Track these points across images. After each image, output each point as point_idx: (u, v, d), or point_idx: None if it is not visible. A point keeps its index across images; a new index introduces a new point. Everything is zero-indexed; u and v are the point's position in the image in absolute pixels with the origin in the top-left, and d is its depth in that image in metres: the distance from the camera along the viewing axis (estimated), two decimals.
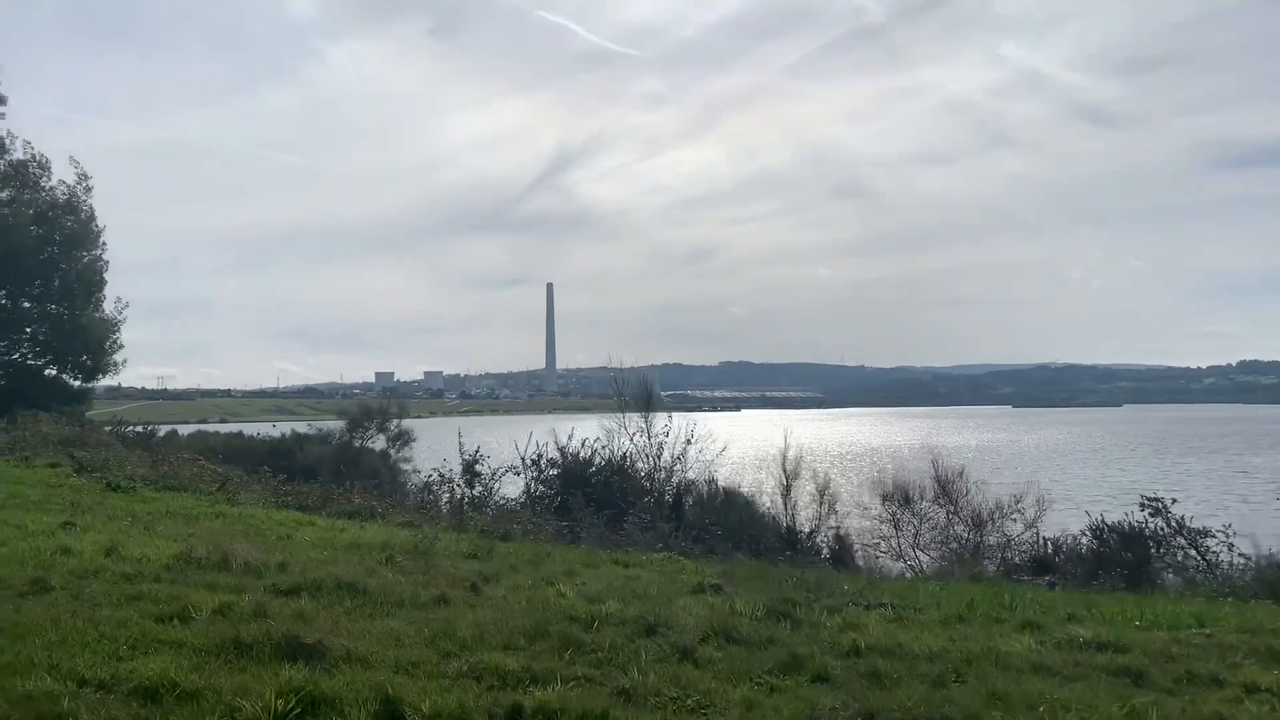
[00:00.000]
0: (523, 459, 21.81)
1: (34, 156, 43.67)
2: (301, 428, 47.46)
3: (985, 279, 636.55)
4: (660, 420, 20.97)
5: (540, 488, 21.69)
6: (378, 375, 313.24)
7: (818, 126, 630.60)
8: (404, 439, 36.35)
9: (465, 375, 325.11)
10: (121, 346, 45.26)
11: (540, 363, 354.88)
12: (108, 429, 33.92)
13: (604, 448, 21.73)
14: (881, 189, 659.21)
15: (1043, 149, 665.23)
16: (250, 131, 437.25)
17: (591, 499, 19.18)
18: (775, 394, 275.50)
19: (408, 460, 36.19)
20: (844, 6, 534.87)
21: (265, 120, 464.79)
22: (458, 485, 20.83)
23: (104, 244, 44.66)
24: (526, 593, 8.25)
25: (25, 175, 43.52)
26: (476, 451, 20.96)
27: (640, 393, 23.88)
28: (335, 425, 39.32)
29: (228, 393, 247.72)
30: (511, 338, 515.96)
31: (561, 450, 21.85)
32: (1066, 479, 42.95)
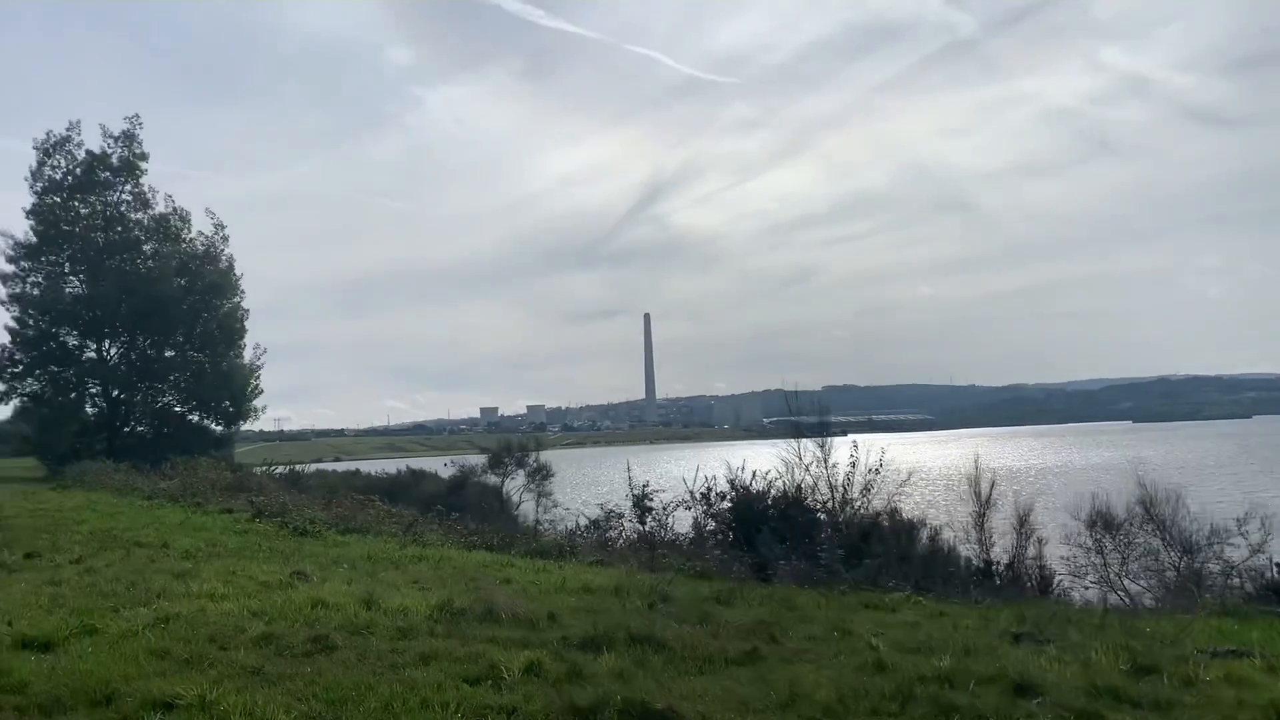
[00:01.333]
0: (691, 492, 21.13)
1: (175, 210, 45.60)
2: (431, 464, 47.85)
3: (1097, 291, 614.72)
4: (841, 448, 20.04)
5: (711, 522, 20.96)
6: (482, 411, 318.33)
7: (914, 143, 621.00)
8: (544, 473, 36.10)
9: (566, 408, 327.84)
10: (261, 392, 46.49)
11: (639, 393, 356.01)
12: (257, 471, 34.58)
13: (777, 479, 20.88)
14: (983, 203, 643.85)
15: (1151, 154, 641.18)
16: (352, 179, 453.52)
17: (771, 534, 18.38)
18: (882, 417, 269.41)
19: (548, 494, 35.93)
20: (935, 22, 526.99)
21: (366, 167, 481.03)
22: (628, 521, 20.27)
23: (242, 291, 46.10)
24: (831, 644, 7.53)
25: (167, 228, 45.34)
26: (645, 486, 20.40)
27: (811, 418, 22.92)
28: (476, 459, 39.28)
29: (340, 432, 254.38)
30: (610, 369, 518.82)
31: (731, 482, 21.10)
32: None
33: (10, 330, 43.48)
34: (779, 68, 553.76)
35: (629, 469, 20.73)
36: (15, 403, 45.86)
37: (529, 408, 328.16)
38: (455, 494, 34.91)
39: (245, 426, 50.58)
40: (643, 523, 20.37)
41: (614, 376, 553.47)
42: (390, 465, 56.28)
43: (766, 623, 8.23)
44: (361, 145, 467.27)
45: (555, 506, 35.20)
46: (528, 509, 34.80)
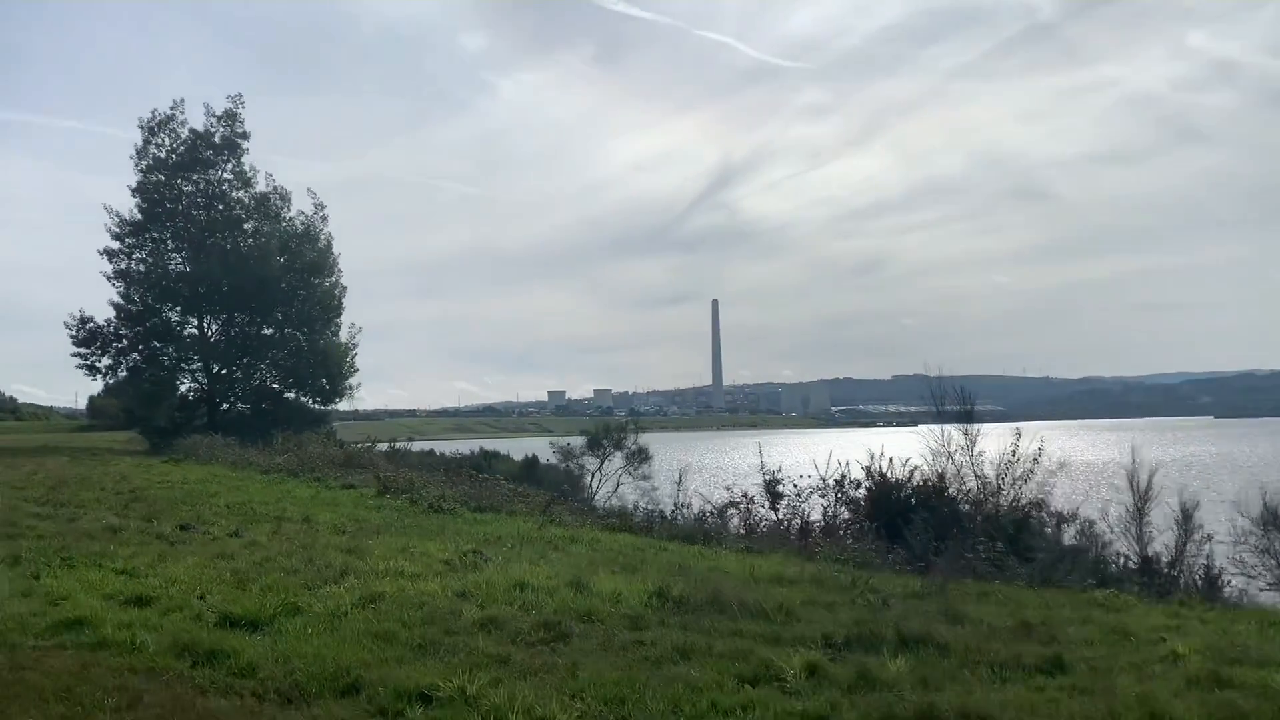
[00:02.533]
0: (823, 479, 20.33)
1: (275, 189, 45.73)
2: (502, 446, 47.74)
3: (1178, 282, 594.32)
4: (993, 435, 19.06)
5: (845, 510, 20.14)
6: (550, 394, 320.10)
7: (989, 129, 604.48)
8: (642, 456, 35.49)
9: (633, 393, 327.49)
10: (356, 370, 46.56)
11: (705, 379, 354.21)
12: (357, 447, 34.56)
13: (915, 468, 19.98)
14: (1061, 191, 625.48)
15: (1238, 141, 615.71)
16: (426, 164, 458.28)
17: (910, 524, 17.51)
18: (953, 408, 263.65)
19: (646, 478, 35.30)
20: (1013, 5, 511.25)
21: (440, 152, 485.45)
22: (761, 506, 19.55)
23: (339, 270, 46.20)
24: (1125, 650, 6.72)
25: (267, 207, 45.58)
26: (778, 470, 19.72)
27: (953, 404, 21.89)
28: (575, 441, 38.84)
29: (412, 412, 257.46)
30: (677, 355, 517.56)
31: (867, 469, 20.24)
32: None
33: (115, 306, 44.19)
34: (851, 52, 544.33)
35: (760, 453, 20.07)
36: (109, 378, 46.66)
37: (595, 391, 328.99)
38: (528, 475, 34.47)
39: (341, 405, 50.68)
40: (775, 509, 19.68)
41: (680, 362, 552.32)
42: (462, 446, 56.44)
43: (1030, 624, 7.43)
44: (436, 131, 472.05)
45: (655, 490, 34.66)
46: (625, 492, 34.29)
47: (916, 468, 19.92)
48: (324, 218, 46.05)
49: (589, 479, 35.83)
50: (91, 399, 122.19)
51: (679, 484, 20.53)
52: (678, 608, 7.75)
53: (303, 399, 46.92)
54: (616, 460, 37.34)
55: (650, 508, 28.05)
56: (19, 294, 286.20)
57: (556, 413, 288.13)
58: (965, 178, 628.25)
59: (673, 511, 19.08)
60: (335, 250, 46.19)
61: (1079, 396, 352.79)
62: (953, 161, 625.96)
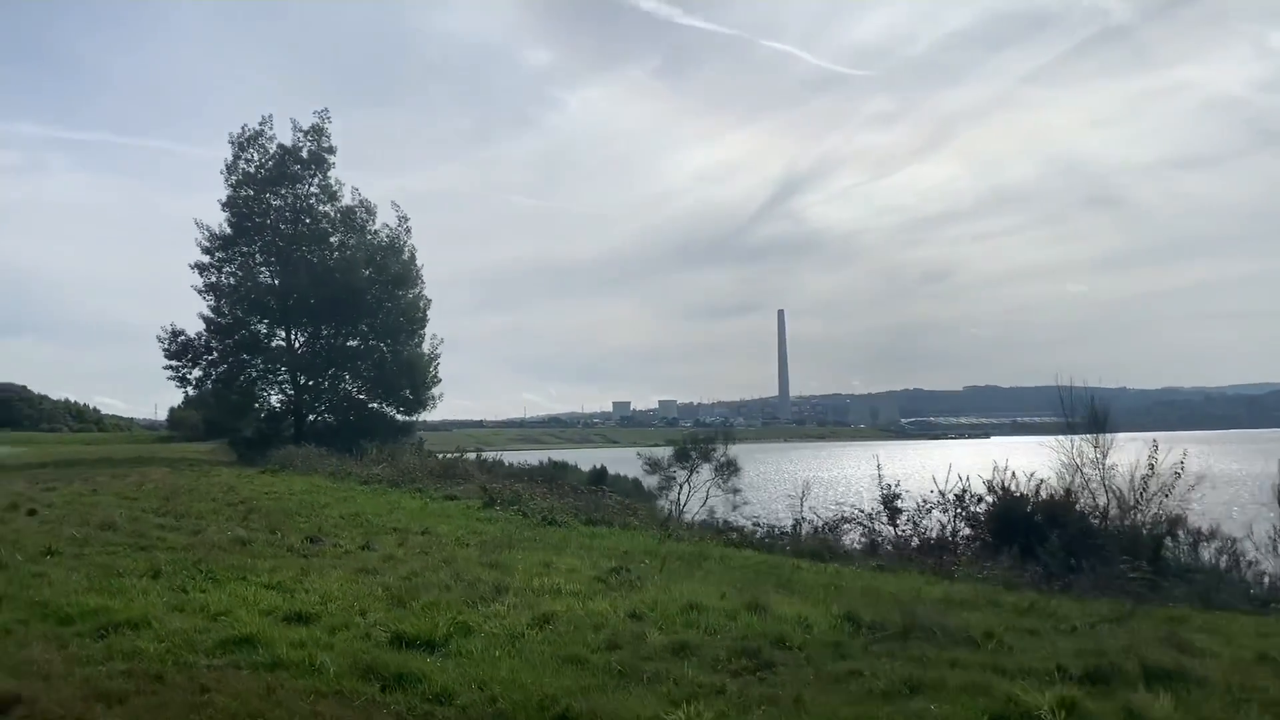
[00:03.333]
0: (942, 493, 19.57)
1: (360, 202, 46.26)
2: (569, 456, 47.33)
3: (1262, 289, 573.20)
4: (1125, 448, 18.13)
5: (965, 526, 19.33)
6: (615, 405, 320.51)
7: (1063, 135, 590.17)
8: (732, 468, 34.89)
9: (698, 404, 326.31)
10: (439, 380, 46.75)
11: (771, 390, 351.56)
12: (448, 457, 34.57)
13: (1041, 481, 19.10)
14: (1137, 197, 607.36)
15: None
16: (492, 178, 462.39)
17: (1044, 541, 16.65)
18: (1027, 419, 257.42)
19: (736, 490, 34.67)
20: (1087, 8, 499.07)
21: (505, 167, 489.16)
22: (879, 523, 18.85)
23: (422, 280, 46.50)
24: None
25: (353, 220, 46.10)
26: (897, 485, 19.07)
27: (1089, 414, 20.94)
28: (659, 451, 38.42)
29: (479, 423, 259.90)
30: (742, 366, 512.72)
31: (989, 484, 19.42)
32: None
33: (205, 319, 45.04)
34: (919, 60, 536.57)
35: (879, 465, 19.40)
36: (200, 389, 47.43)
37: (660, 402, 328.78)
38: (596, 486, 34.08)
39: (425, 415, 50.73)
40: (894, 524, 18.99)
41: (746, 373, 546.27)
42: (530, 456, 56.30)
43: (1268, 656, 6.72)
44: (501, 146, 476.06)
45: (745, 504, 34.00)
46: (715, 504, 33.69)
47: (1043, 481, 19.06)
48: (408, 230, 46.51)
49: (677, 491, 35.31)
50: (172, 410, 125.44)
51: (802, 497, 19.87)
52: (873, 634, 7.20)
53: (386, 409, 47.26)
54: (704, 472, 36.86)
55: (754, 522, 27.52)
56: (101, 309, 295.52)
57: (621, 424, 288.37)
58: (1037, 184, 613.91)
59: (794, 526, 18.49)
60: (419, 262, 46.50)
61: (1157, 407, 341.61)
62: (1024, 168, 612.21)
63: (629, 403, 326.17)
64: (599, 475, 40.28)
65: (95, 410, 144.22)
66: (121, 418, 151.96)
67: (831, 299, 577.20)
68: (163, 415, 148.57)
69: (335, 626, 7.64)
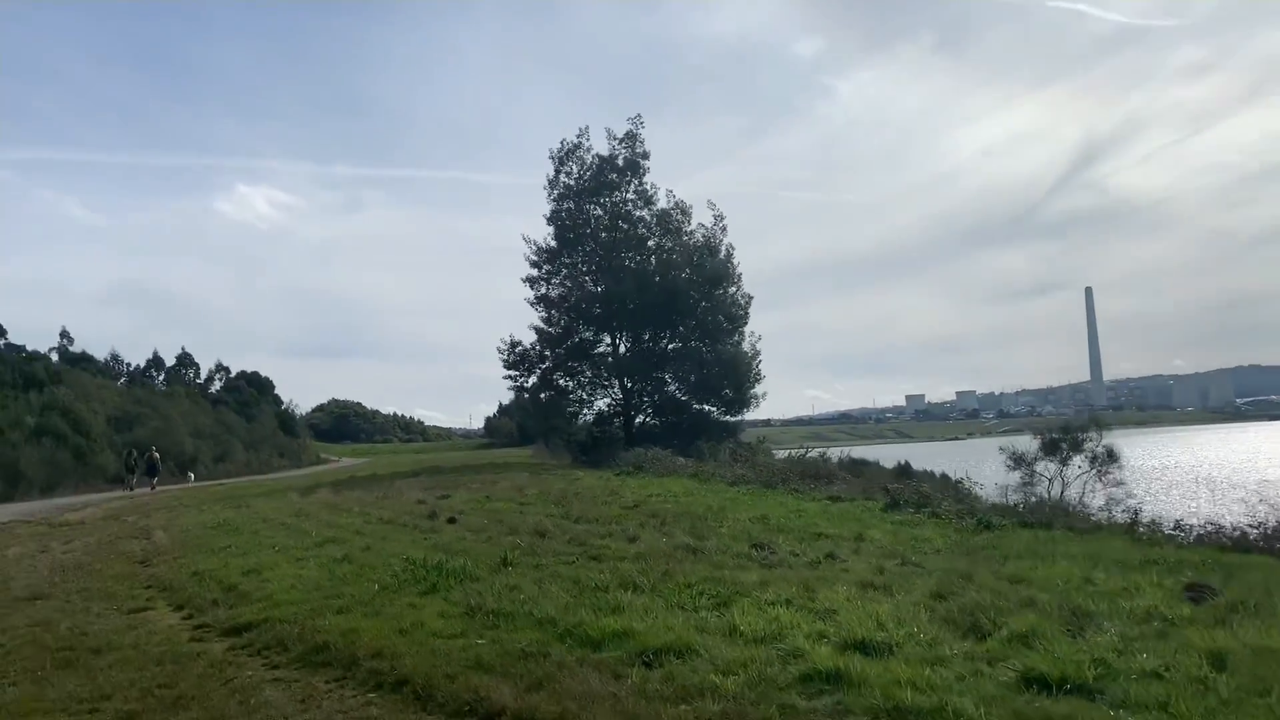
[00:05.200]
0: None
1: (676, 204, 46.39)
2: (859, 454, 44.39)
3: None
4: None
5: None
6: (908, 398, 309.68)
7: None
8: (1110, 458, 31.13)
9: (1000, 393, 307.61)
10: (762, 378, 45.89)
11: (1081, 374, 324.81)
12: (788, 455, 33.43)
13: None
14: None
15: None
16: (764, 175, 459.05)
17: None
18: None
19: (1120, 484, 30.90)
20: None
21: (777, 162, 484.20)
22: None
23: (739, 276, 45.84)
24: None
25: (668, 222, 46.29)
26: None
27: None
28: (1017, 443, 35.30)
29: (767, 422, 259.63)
30: (1046, 350, 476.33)
31: None
32: None
33: (537, 330, 46.99)
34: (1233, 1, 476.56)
35: None
36: (536, 395, 49.40)
37: (958, 394, 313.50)
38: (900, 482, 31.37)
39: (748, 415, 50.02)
40: None
41: (1051, 357, 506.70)
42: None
43: None
44: (772, 141, 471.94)
45: (1129, 499, 30.27)
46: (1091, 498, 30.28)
47: None
48: (723, 228, 46.08)
49: (1047, 486, 32.15)
50: (488, 419, 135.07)
51: None
52: None
53: (708, 409, 47.05)
54: (1076, 464, 33.31)
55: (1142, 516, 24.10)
56: (413, 328, 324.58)
57: (916, 417, 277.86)
58: None
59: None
60: (735, 260, 45.89)
61: None
62: None
63: (923, 395, 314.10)
64: (903, 472, 37.81)
65: (420, 421, 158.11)
66: (441, 427, 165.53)
67: (1144, 272, 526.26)
68: (476, 424, 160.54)
69: (919, 659, 6.34)
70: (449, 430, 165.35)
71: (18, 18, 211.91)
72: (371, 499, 22.60)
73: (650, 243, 46.27)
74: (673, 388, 47.85)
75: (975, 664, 6.17)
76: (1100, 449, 32.44)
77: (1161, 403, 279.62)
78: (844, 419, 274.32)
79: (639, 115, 46.62)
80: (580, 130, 46.48)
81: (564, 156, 46.39)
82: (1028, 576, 9.13)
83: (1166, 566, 9.87)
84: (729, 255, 45.57)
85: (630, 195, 46.27)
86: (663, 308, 44.57)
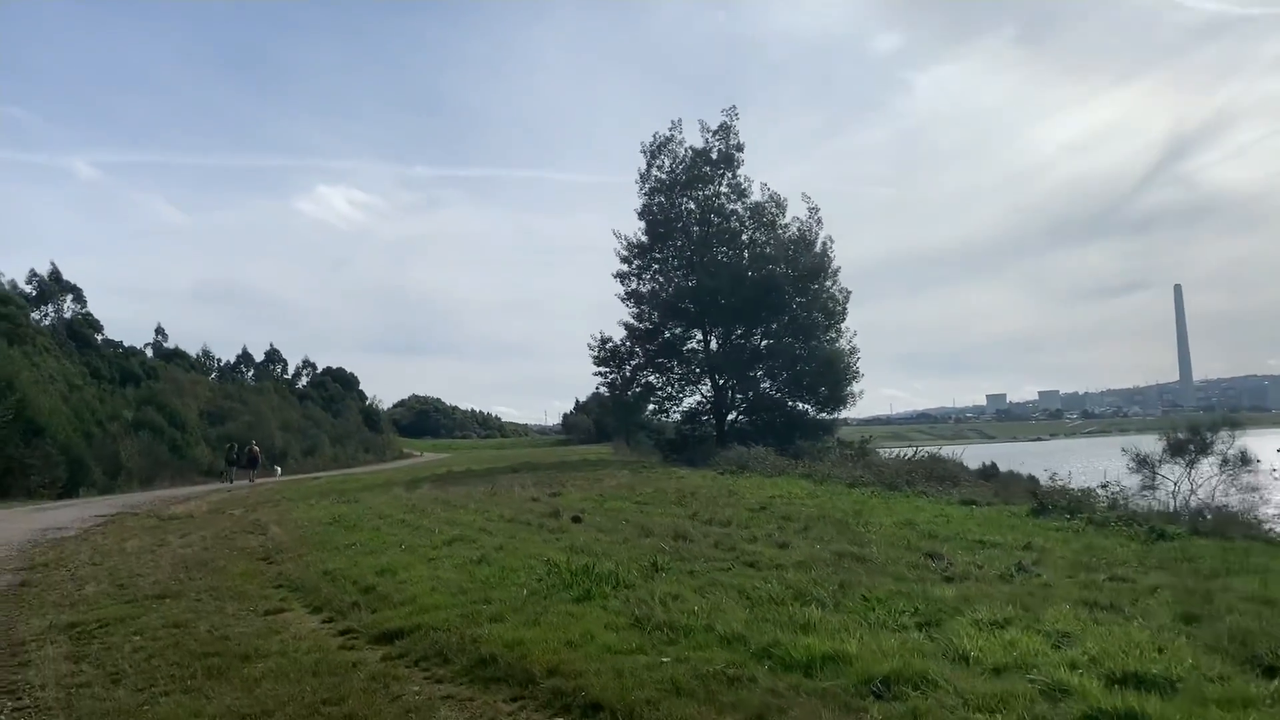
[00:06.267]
0: None
1: (771, 196, 45.14)
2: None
3: None
4: None
5: None
6: (989, 398, 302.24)
7: None
8: (1244, 462, 29.20)
9: (1084, 393, 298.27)
10: (859, 375, 44.42)
11: (1170, 374, 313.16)
12: (898, 455, 32.12)
13: None
14: None
15: None
16: (842, 171, 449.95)
17: None
18: None
19: (1254, 489, 28.95)
20: None
21: (855, 159, 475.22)
22: None
23: (837, 270, 44.42)
24: None
25: (762, 215, 45.11)
26: None
27: None
28: (1139, 443, 33.48)
29: (845, 422, 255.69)
30: (1133, 349, 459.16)
31: None
32: None
33: (628, 326, 46.19)
34: None
35: None
36: (626, 392, 48.57)
37: (1040, 393, 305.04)
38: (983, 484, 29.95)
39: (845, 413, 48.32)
40: None
41: (1138, 356, 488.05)
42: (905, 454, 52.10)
43: None
44: (852, 137, 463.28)
45: (1264, 504, 28.35)
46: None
47: None
48: (819, 221, 44.58)
49: (1173, 489, 30.31)
50: (565, 415, 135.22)
51: None
52: None
53: (802, 407, 45.74)
54: (1204, 466, 31.41)
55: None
56: (491, 326, 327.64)
57: (997, 417, 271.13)
58: None
59: None
60: (832, 253, 44.44)
61: None
62: None
63: (1004, 395, 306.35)
64: (988, 473, 36.24)
65: (496, 418, 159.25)
66: (518, 424, 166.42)
67: (1237, 269, 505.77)
68: (552, 420, 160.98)
69: (1219, 699, 5.34)
70: (525, 426, 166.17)
71: (108, 25, 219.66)
72: (480, 495, 22.09)
73: (744, 236, 45.14)
74: (766, 385, 46.64)
75: None
76: (1233, 451, 30.51)
77: (1256, 404, 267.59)
78: (923, 418, 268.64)
79: (733, 107, 45.83)
80: (673, 123, 45.65)
81: (656, 150, 45.52)
82: (1275, 597, 8.00)
83: None
84: (825, 248, 44.16)
85: (723, 188, 45.17)
86: (756, 303, 43.39)
